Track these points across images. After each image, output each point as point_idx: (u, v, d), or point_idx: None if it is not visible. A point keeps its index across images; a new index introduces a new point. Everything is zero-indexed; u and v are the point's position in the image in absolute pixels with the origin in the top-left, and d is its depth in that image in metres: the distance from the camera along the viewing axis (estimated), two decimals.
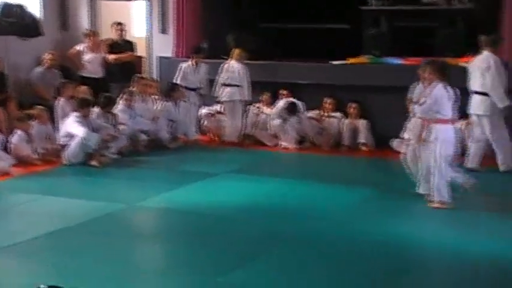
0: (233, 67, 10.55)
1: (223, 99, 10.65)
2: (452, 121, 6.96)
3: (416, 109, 7.08)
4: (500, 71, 8.48)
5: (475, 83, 8.62)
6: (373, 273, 5.30)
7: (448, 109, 6.86)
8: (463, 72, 9.67)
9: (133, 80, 10.50)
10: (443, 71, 6.92)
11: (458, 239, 6.07)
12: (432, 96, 6.86)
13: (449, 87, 6.86)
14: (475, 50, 10.01)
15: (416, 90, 7.38)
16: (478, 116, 8.68)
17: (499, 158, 8.71)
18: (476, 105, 8.64)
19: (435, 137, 6.90)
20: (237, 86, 10.52)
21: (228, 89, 10.59)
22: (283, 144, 10.34)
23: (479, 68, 8.52)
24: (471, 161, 8.80)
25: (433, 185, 6.95)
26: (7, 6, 10.79)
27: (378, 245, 5.90)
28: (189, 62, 10.87)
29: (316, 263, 5.48)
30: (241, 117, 10.68)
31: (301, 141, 10.44)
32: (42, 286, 1.75)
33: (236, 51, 10.59)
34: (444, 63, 7.13)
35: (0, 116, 9.51)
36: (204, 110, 10.97)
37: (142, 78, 10.71)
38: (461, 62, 9.94)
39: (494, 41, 8.66)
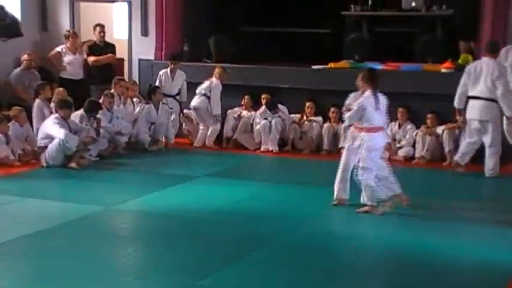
0: (209, 82, 10.56)
1: (192, 104, 10.65)
2: (379, 129, 6.92)
3: (345, 116, 7.12)
4: (508, 79, 8.61)
5: (481, 89, 8.63)
6: (351, 273, 5.33)
7: (374, 117, 6.84)
8: (444, 79, 9.79)
9: (113, 82, 10.43)
10: (372, 80, 6.92)
11: (430, 242, 6.12)
12: (357, 104, 6.90)
13: (376, 96, 6.85)
14: (454, 56, 10.14)
15: (351, 98, 7.37)
16: (482, 121, 8.71)
17: (490, 163, 8.78)
18: (483, 111, 8.66)
19: (360, 144, 6.94)
20: (208, 97, 10.53)
21: (198, 96, 10.61)
22: (266, 147, 10.33)
23: (489, 75, 8.55)
24: (462, 158, 8.86)
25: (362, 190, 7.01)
26: None
27: (355, 248, 5.94)
28: (166, 69, 10.84)
29: (296, 265, 5.49)
30: (216, 123, 10.63)
31: (282, 145, 10.45)
32: None
33: (216, 70, 10.57)
34: (374, 72, 7.13)
35: None
36: (185, 110, 10.96)
37: (121, 79, 10.65)
38: (443, 68, 10.04)
39: (493, 48, 8.75)
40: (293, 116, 10.56)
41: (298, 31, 11.90)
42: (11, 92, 10.76)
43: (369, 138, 6.87)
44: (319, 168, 9.65)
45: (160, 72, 10.86)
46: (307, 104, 10.50)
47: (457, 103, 8.96)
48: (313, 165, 9.77)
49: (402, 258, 5.75)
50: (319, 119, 10.46)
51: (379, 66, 10.39)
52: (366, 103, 6.84)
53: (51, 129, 8.94)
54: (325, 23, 11.73)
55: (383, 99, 6.96)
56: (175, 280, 5.13)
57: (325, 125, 10.34)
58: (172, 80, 10.85)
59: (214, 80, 10.53)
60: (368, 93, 6.87)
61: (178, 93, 10.98)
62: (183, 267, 5.43)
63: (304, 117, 10.52)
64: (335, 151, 10.22)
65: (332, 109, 10.36)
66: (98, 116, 9.60)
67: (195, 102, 10.62)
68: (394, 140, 9.98)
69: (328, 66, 10.68)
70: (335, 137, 10.32)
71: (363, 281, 5.31)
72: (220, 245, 6.02)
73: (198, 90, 10.64)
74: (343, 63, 10.70)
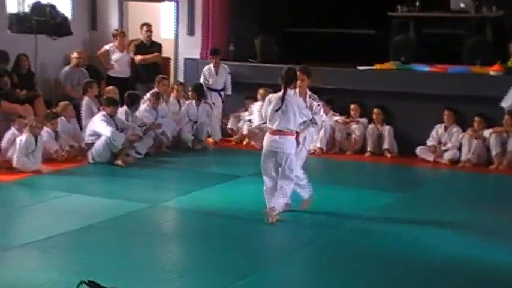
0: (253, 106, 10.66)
1: (245, 133, 10.77)
2: (273, 132, 6.47)
3: None
4: None
5: None
6: (393, 277, 5.28)
7: (269, 118, 6.44)
8: (492, 81, 9.59)
9: (156, 80, 10.54)
10: (281, 79, 6.44)
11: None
12: None
13: (283, 96, 6.36)
14: (503, 58, 9.95)
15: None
16: None
17: None
18: None
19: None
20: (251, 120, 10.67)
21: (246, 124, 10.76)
22: (312, 145, 10.23)
23: None
24: None
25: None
26: (38, 5, 10.94)
27: (398, 251, 5.89)
28: (210, 65, 10.93)
29: (336, 268, 5.47)
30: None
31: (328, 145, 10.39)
32: (85, 280, 1.75)
33: (260, 91, 10.55)
34: (285, 71, 6.53)
35: (27, 113, 9.61)
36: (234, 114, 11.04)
37: (164, 78, 10.75)
38: (491, 71, 9.85)
39: None
40: (338, 117, 10.51)
41: (344, 32, 11.83)
42: (60, 90, 10.98)
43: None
44: (362, 169, 9.60)
45: (204, 68, 10.97)
46: (352, 105, 10.45)
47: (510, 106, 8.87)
48: (356, 166, 9.72)
49: (441, 263, 5.69)
50: (364, 120, 10.39)
51: (425, 68, 10.29)
52: (265, 101, 6.61)
53: (98, 127, 9.10)
54: (371, 23, 11.63)
55: (295, 101, 6.45)
56: (216, 278, 5.16)
57: (369, 126, 10.28)
58: (217, 74, 10.94)
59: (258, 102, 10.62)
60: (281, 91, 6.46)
61: (223, 89, 11.05)
62: (224, 266, 5.46)
63: (349, 118, 10.47)
64: (379, 153, 10.16)
65: (375, 110, 10.28)
66: (146, 114, 9.72)
67: (245, 131, 10.77)
68: (439, 142, 9.87)
69: (374, 67, 10.60)
70: (379, 138, 10.24)
71: (401, 282, 5.27)
72: (261, 245, 6.04)
73: (248, 118, 10.79)
74: (389, 65, 10.60)
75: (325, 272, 5.38)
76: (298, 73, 6.67)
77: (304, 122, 6.62)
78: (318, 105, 6.79)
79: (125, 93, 10.28)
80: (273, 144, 6.47)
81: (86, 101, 9.97)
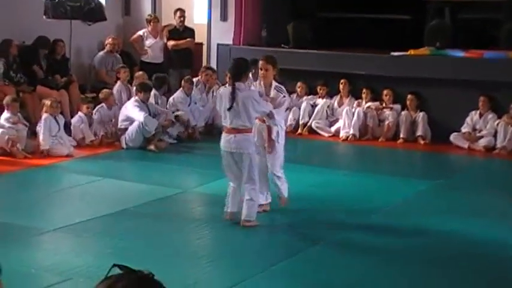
0: None
1: None
2: (226, 131, 6.01)
3: None
4: None
5: None
6: (425, 264, 5.25)
7: (223, 117, 6.02)
8: None
9: (201, 70, 10.55)
10: (233, 72, 6.02)
11: None
12: None
13: (232, 92, 5.84)
14: None
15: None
16: None
17: None
18: None
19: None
20: None
21: None
22: (345, 132, 10.17)
23: None
24: None
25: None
26: None
27: (430, 238, 5.86)
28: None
29: (367, 255, 5.46)
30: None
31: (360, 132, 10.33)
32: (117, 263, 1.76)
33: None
34: (234, 63, 6.16)
35: (63, 98, 9.73)
36: None
37: (208, 68, 10.70)
38: None
39: None
40: (371, 103, 10.43)
41: (378, 17, 11.69)
42: (94, 75, 11.09)
43: None
44: (395, 156, 9.52)
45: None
46: (385, 91, 10.35)
47: None
48: (389, 153, 9.65)
49: (470, 249, 5.63)
50: (398, 106, 10.29)
51: (461, 54, 10.14)
52: (217, 96, 6.20)
53: (131, 112, 9.16)
54: (406, 9, 11.47)
55: (248, 94, 5.87)
56: (248, 264, 5.19)
57: (403, 113, 10.17)
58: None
59: None
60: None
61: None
62: (256, 251, 5.49)
63: (383, 105, 10.38)
64: (412, 139, 10.06)
65: (409, 96, 10.16)
66: (179, 100, 9.76)
67: None
68: (474, 129, 9.74)
69: (408, 53, 10.47)
70: (412, 125, 10.13)
71: (434, 272, 5.23)
72: (291, 231, 6.05)
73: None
74: (423, 50, 10.46)
75: (357, 259, 5.37)
76: (261, 62, 6.28)
77: (268, 114, 6.11)
78: (284, 96, 6.36)
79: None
80: (230, 145, 5.94)
81: (117, 86, 10.06)
